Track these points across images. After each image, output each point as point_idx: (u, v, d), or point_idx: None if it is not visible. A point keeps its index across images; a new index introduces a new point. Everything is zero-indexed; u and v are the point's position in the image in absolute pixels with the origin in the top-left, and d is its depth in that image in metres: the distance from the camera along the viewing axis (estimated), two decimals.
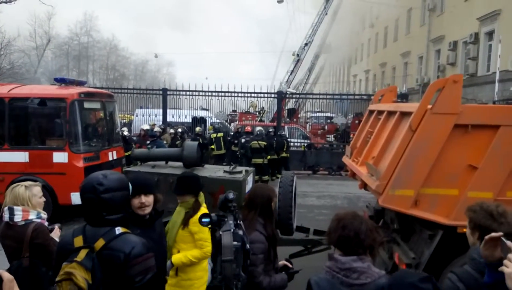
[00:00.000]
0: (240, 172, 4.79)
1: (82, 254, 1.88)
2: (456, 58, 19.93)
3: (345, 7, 25.82)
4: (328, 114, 18.59)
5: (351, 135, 16.68)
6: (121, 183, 2.09)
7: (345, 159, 5.80)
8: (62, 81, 9.33)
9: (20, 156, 8.06)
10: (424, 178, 3.91)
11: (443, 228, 3.94)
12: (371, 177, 4.23)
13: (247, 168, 5.23)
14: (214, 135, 13.51)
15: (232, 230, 2.43)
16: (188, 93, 15.94)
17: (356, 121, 17.29)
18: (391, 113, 4.76)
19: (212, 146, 13.24)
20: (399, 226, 4.52)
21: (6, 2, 6.57)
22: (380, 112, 5.21)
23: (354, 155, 5.36)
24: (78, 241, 1.97)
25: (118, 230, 2.01)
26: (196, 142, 5.04)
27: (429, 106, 3.95)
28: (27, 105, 8.46)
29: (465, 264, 2.10)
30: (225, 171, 4.81)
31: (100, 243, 1.94)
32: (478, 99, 12.01)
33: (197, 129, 13.02)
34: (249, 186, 4.75)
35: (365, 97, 16.83)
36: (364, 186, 4.66)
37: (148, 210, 2.66)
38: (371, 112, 5.71)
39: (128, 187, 2.17)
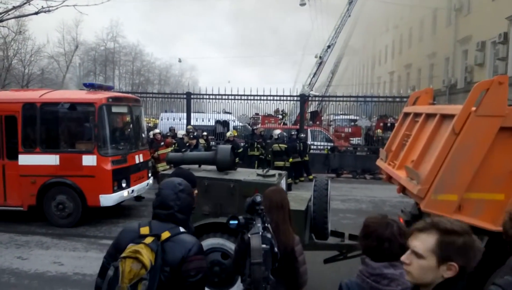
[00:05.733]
0: (274, 175, 4.75)
1: (149, 239, 2.08)
2: (485, 58, 19.39)
3: (368, 9, 25.55)
4: (352, 117, 18.38)
5: (375, 138, 16.53)
6: (191, 191, 2.37)
7: (380, 163, 5.67)
8: (90, 86, 9.50)
9: (51, 159, 8.23)
10: (468, 183, 3.77)
11: (488, 234, 3.78)
12: (411, 181, 4.11)
13: (280, 171, 5.19)
14: None
15: (260, 233, 2.43)
16: (211, 96, 16.04)
17: (381, 124, 17.08)
18: (429, 116, 4.62)
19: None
20: None
21: (45, 12, 6.76)
22: (417, 115, 5.07)
23: (390, 159, 5.23)
24: (145, 230, 2.16)
25: (182, 229, 2.23)
26: (230, 146, 5.03)
27: (473, 109, 3.81)
28: (58, 109, 8.65)
29: (507, 275, 1.99)
30: (258, 175, 4.78)
31: (166, 234, 2.13)
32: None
33: (228, 134, 13.00)
34: None
35: (390, 99, 16.57)
36: (403, 190, 4.53)
37: None
38: (406, 114, 5.57)
39: (194, 198, 2.40)
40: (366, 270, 1.91)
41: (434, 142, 4.20)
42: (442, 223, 1.50)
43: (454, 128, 3.78)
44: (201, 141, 12.72)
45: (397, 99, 16.05)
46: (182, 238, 2.16)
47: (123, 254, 2.01)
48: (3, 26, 7.63)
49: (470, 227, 1.55)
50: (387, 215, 2.04)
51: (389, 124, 16.13)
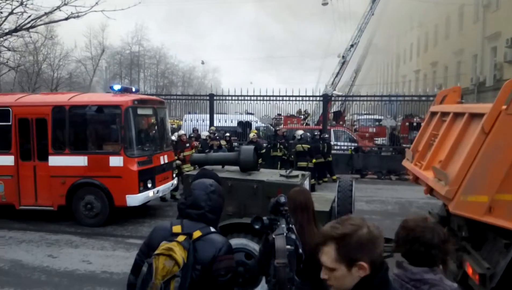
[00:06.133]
0: (297, 176, 4.74)
1: (181, 238, 2.13)
2: None
3: (392, 7, 25.12)
4: (376, 116, 18.09)
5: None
6: (222, 192, 2.41)
7: (406, 163, 5.56)
8: (117, 89, 9.70)
9: (80, 160, 8.45)
10: (499, 183, 3.65)
11: None
12: (439, 182, 4.01)
13: (303, 172, 5.17)
14: None
15: (285, 234, 2.42)
16: (234, 98, 16.13)
17: (407, 123, 16.74)
18: (458, 115, 4.50)
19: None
20: (469, 234, 4.25)
21: (74, 17, 6.99)
22: (445, 114, 4.94)
23: (417, 159, 5.12)
24: (177, 229, 2.22)
25: (212, 229, 2.28)
26: (252, 147, 5.05)
27: (504, 107, 3.68)
28: (86, 112, 8.89)
29: None
30: (281, 175, 4.78)
31: (197, 233, 2.19)
32: None
33: (251, 135, 12.97)
34: None
35: (415, 98, 16.22)
36: (430, 191, 4.42)
37: None
38: (433, 113, 5.44)
39: (224, 199, 2.43)
40: (405, 275, 1.84)
41: (462, 141, 4.09)
42: (333, 231, 1.49)
43: (483, 128, 3.66)
44: (222, 142, 12.78)
45: (423, 98, 15.70)
46: (212, 237, 2.21)
47: (157, 251, 2.07)
48: (35, 32, 7.91)
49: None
50: (426, 218, 1.97)
51: (415, 124, 15.80)
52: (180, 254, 2.04)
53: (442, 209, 5.15)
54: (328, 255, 1.49)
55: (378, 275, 1.46)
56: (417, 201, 10.60)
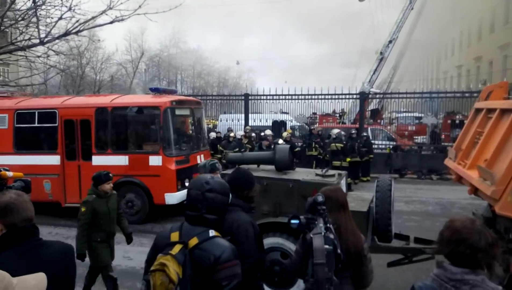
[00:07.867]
0: (333, 175, 4.67)
1: (177, 248, 1.97)
2: None
3: (432, 0, 24.19)
4: (416, 114, 17.50)
5: (443, 136, 15.60)
6: (224, 188, 2.22)
7: (449, 162, 5.35)
8: (156, 91, 9.98)
9: (121, 160, 8.75)
10: None
11: None
12: (485, 181, 3.83)
13: (340, 171, 5.09)
14: None
15: (323, 234, 2.36)
16: (268, 97, 16.14)
17: (449, 121, 16.07)
18: (505, 111, 4.27)
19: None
20: None
21: (119, 21, 7.21)
22: (490, 110, 4.71)
23: (460, 158, 4.91)
24: (175, 236, 2.08)
25: (212, 232, 2.09)
26: (288, 146, 5.03)
27: None
28: (127, 113, 9.21)
29: None
30: (317, 175, 4.73)
31: (193, 241, 2.03)
32: None
33: (284, 134, 12.92)
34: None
35: (458, 94, 15.55)
36: (475, 191, 4.23)
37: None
38: (478, 110, 5.20)
39: (229, 195, 2.26)
40: (444, 275, 1.80)
41: (510, 139, 3.88)
42: None
43: None
44: (245, 140, 12.73)
45: (466, 95, 15.06)
46: (210, 244, 2.03)
47: (152, 267, 1.95)
48: (82, 36, 8.22)
49: None
50: (475, 220, 1.90)
51: (457, 122, 15.17)
52: (173, 270, 1.88)
53: (487, 210, 4.92)
54: None
55: (8, 232, 1.91)
56: (460, 201, 10.18)
